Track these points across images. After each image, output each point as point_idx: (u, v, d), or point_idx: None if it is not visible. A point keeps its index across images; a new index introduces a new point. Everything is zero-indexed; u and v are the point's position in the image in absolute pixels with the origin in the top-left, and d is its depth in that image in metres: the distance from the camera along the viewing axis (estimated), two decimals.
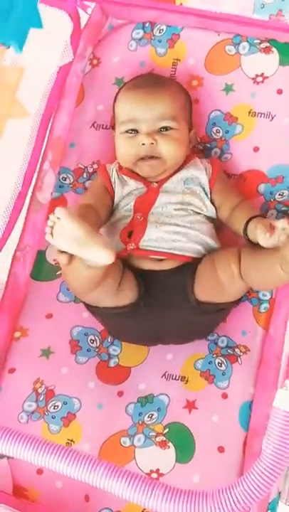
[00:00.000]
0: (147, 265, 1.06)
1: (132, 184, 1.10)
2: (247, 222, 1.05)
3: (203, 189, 1.10)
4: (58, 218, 0.88)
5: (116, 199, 1.11)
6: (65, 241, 0.88)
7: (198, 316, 1.05)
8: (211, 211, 1.10)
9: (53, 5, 0.93)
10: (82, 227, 0.88)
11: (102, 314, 1.09)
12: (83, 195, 1.17)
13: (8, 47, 0.63)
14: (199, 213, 1.09)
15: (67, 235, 0.88)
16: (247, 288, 1.06)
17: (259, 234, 0.97)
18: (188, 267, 1.04)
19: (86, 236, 0.88)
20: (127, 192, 1.10)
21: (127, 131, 1.08)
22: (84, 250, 0.88)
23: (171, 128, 1.07)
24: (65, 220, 0.88)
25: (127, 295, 1.02)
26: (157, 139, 1.05)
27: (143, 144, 1.05)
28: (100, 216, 1.08)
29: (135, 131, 1.07)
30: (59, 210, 0.89)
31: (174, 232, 1.05)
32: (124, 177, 1.11)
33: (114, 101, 1.14)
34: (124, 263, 1.05)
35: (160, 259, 1.06)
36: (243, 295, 1.08)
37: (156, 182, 1.10)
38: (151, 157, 1.06)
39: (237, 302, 1.08)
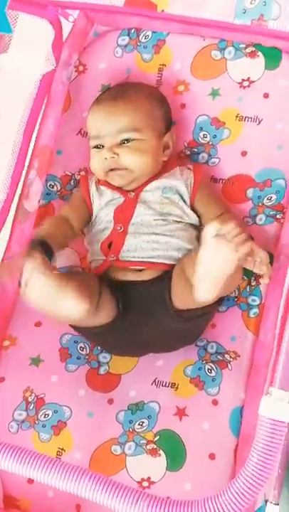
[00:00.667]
0: (128, 276, 1.06)
1: (109, 194, 1.10)
2: None
3: (182, 197, 1.10)
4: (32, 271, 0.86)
5: (95, 210, 1.12)
6: (40, 296, 0.86)
7: (180, 324, 1.04)
8: (193, 219, 1.10)
9: (34, 13, 0.92)
10: (53, 280, 0.86)
11: (83, 333, 1.10)
12: (63, 205, 1.17)
13: None
14: (180, 221, 1.08)
15: (40, 288, 0.86)
16: None
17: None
18: (168, 276, 1.04)
19: (58, 289, 0.86)
20: (104, 202, 1.11)
21: (96, 146, 1.09)
22: (57, 305, 0.86)
23: (133, 139, 1.06)
24: (36, 274, 0.86)
25: (105, 315, 1.02)
26: (119, 152, 1.06)
27: (106, 159, 1.06)
28: (73, 228, 1.10)
29: (101, 145, 1.08)
30: (29, 264, 0.87)
31: (153, 241, 1.05)
32: (102, 187, 1.12)
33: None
34: (104, 276, 1.06)
35: (140, 270, 1.06)
36: (222, 297, 1.06)
37: (133, 191, 1.09)
38: (119, 169, 1.07)
39: (218, 304, 1.07)
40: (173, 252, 1.05)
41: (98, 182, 1.13)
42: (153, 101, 1.12)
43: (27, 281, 0.86)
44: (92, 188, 1.13)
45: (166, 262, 1.05)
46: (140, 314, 1.03)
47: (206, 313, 1.06)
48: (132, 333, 1.05)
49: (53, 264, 1.04)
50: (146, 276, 1.05)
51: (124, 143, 1.07)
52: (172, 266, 1.05)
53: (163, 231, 1.06)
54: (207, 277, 0.89)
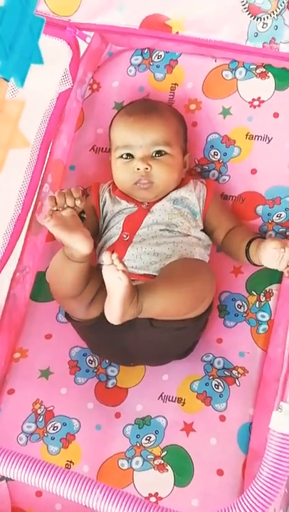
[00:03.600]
0: None
1: (124, 203, 1.13)
2: (249, 244, 1.08)
3: (192, 211, 1.13)
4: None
5: (106, 217, 1.15)
6: (58, 224, 0.97)
7: (158, 335, 1.04)
8: (198, 233, 1.12)
9: (53, 35, 0.97)
10: (74, 216, 0.98)
11: (75, 326, 1.13)
12: None
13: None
14: (187, 235, 1.10)
15: (61, 219, 0.97)
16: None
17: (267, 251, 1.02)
18: None
19: (74, 224, 0.98)
20: (117, 210, 1.13)
21: (122, 156, 1.11)
22: (70, 236, 0.97)
23: (165, 153, 1.10)
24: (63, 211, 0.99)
25: (96, 311, 1.05)
26: (151, 164, 1.09)
27: (138, 169, 1.09)
28: None
29: (130, 156, 1.10)
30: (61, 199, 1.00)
31: (154, 253, 1.07)
32: (117, 198, 1.14)
33: (110, 127, 1.17)
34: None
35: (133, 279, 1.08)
36: (201, 312, 1.04)
37: (148, 203, 1.13)
38: (146, 181, 1.10)
39: (198, 319, 1.05)
40: None
41: (114, 191, 1.15)
42: (178, 120, 1.16)
43: (52, 213, 0.98)
44: (105, 195, 1.16)
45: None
46: None
47: (183, 328, 1.04)
48: (113, 336, 1.06)
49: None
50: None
51: (155, 156, 1.10)
52: None
53: (167, 242, 1.08)
54: (108, 300, 0.95)
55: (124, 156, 1.11)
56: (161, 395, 1.12)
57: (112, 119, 1.18)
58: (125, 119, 1.13)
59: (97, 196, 1.17)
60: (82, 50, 1.15)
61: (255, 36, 0.96)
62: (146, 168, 1.08)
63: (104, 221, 1.16)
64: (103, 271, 0.92)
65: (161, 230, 1.09)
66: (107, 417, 1.11)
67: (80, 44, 1.08)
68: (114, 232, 1.12)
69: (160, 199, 1.12)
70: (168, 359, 1.13)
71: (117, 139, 1.13)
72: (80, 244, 0.98)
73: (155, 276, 1.06)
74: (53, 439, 1.09)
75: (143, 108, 1.13)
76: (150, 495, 1.05)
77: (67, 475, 0.97)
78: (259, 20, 0.94)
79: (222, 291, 1.18)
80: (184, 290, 0.99)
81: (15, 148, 0.63)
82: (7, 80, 0.60)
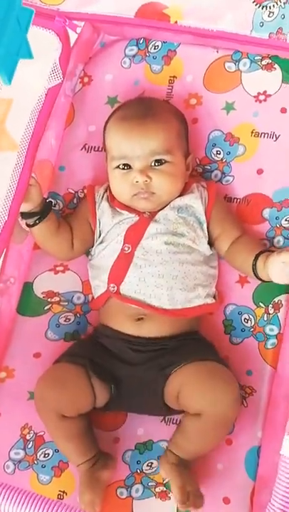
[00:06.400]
0: (125, 327, 1.10)
1: (125, 213, 1.14)
2: (256, 258, 1.09)
3: (198, 219, 1.14)
4: None
5: (105, 227, 1.16)
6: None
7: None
8: (204, 247, 1.13)
9: (41, 25, 0.97)
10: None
11: None
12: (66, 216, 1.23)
13: None
14: (191, 250, 1.11)
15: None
16: None
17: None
18: (166, 352, 1.08)
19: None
20: (117, 220, 1.14)
21: (118, 167, 1.12)
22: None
23: (165, 161, 1.10)
24: None
25: (99, 401, 1.08)
26: (151, 176, 1.09)
27: (137, 182, 1.09)
28: (72, 238, 1.18)
29: (128, 166, 1.11)
30: None
31: (158, 275, 1.09)
32: (117, 209, 1.15)
33: (104, 130, 1.18)
34: (100, 330, 1.14)
35: (140, 318, 1.09)
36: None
37: (150, 212, 1.14)
38: (147, 191, 1.10)
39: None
40: (176, 292, 1.09)
41: (112, 201, 1.16)
42: (179, 120, 1.16)
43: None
44: (103, 205, 1.17)
45: (168, 307, 1.08)
46: (132, 397, 1.09)
47: None
48: (127, 410, 1.13)
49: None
50: (146, 330, 1.09)
51: (155, 165, 1.10)
52: (172, 313, 1.08)
53: (173, 260, 1.09)
54: None
55: (121, 166, 1.11)
56: (164, 418, 1.14)
57: (106, 122, 1.18)
58: (120, 124, 1.13)
59: (93, 202, 1.18)
60: (72, 40, 1.15)
61: (261, 26, 0.97)
62: (146, 181, 1.09)
63: (101, 234, 1.16)
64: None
65: (166, 243, 1.10)
66: (104, 442, 1.12)
67: (70, 35, 1.08)
68: (113, 247, 1.13)
69: (163, 208, 1.13)
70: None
71: (112, 148, 1.13)
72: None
73: (161, 309, 1.08)
74: (43, 467, 1.10)
75: (139, 111, 1.13)
76: None
77: (60, 508, 0.98)
78: (265, 8, 0.95)
79: (227, 304, 1.19)
80: (215, 433, 1.04)
81: (1, 151, 0.64)
82: None
